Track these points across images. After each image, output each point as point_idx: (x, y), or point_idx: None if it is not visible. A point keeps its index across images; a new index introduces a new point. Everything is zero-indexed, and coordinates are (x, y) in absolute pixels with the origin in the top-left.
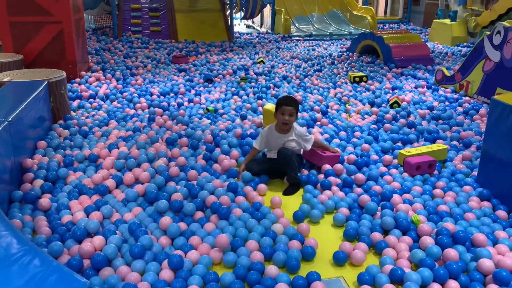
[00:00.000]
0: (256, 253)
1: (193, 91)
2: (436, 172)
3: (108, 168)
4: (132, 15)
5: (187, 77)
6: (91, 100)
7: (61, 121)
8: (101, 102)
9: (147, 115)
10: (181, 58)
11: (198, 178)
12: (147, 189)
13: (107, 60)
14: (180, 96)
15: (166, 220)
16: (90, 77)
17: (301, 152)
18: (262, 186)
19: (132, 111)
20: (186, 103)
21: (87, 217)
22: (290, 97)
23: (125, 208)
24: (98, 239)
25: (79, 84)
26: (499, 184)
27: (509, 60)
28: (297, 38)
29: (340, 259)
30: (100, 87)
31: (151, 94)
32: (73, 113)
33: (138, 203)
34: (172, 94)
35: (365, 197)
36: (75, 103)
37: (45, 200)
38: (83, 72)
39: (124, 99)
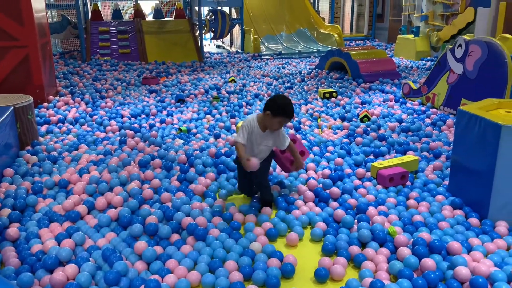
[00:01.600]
0: (235, 273)
1: (165, 112)
2: (408, 183)
3: (79, 193)
4: (100, 38)
5: (158, 98)
6: (60, 124)
7: (29, 147)
8: (70, 126)
9: (118, 138)
10: (151, 79)
11: (173, 200)
12: (120, 213)
13: (76, 83)
14: (152, 117)
15: (141, 244)
16: (58, 101)
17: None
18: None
19: (102, 134)
20: (158, 124)
21: (59, 245)
22: (293, 107)
23: (98, 234)
24: (71, 268)
25: (47, 108)
26: (470, 192)
27: (471, 72)
28: (267, 56)
29: (322, 276)
30: (69, 111)
31: (122, 116)
32: (41, 139)
33: (111, 228)
34: (143, 116)
35: (340, 211)
36: (43, 128)
37: (13, 230)
38: (51, 97)
39: (94, 122)
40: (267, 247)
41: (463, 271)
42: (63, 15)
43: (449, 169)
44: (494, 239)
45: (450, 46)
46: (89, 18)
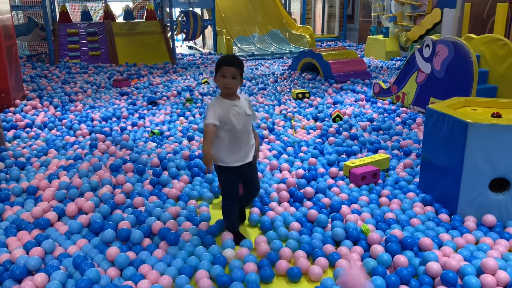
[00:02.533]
0: (204, 280)
1: (136, 115)
2: (380, 181)
3: (48, 200)
4: (69, 40)
5: (130, 100)
6: (28, 129)
7: None
8: (39, 131)
9: (89, 142)
10: (122, 81)
11: (146, 204)
12: (92, 219)
13: (44, 87)
14: (123, 120)
15: (113, 250)
16: (25, 105)
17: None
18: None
19: (72, 139)
20: (129, 127)
21: (27, 254)
22: (231, 55)
23: (69, 241)
24: (40, 277)
25: (14, 113)
26: (439, 189)
27: (439, 71)
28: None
29: (294, 275)
30: (37, 116)
31: (92, 120)
32: (8, 144)
33: (82, 234)
34: (114, 119)
35: (313, 211)
36: (10, 134)
37: None
38: (17, 101)
39: (63, 127)
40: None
41: (434, 266)
42: (30, 17)
43: (419, 166)
44: (463, 234)
45: (418, 46)
46: (57, 20)
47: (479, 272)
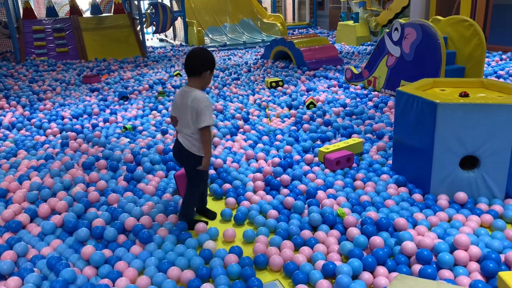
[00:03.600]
0: (186, 272)
1: (108, 111)
2: (354, 165)
3: (19, 202)
4: (34, 37)
5: (101, 96)
6: None
7: None
8: (7, 132)
9: (60, 141)
10: (92, 77)
11: (121, 200)
12: (65, 218)
13: (10, 86)
14: (95, 116)
15: (88, 249)
16: None
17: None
18: None
19: (42, 138)
20: (101, 124)
21: None
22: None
23: (43, 242)
24: (13, 281)
25: None
26: (412, 169)
27: (408, 54)
28: (212, 48)
29: (260, 262)
30: (4, 116)
31: (63, 118)
32: None
33: (56, 235)
34: (85, 116)
35: (290, 198)
36: None
37: None
38: None
39: (32, 126)
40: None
41: (409, 245)
42: None
43: (392, 149)
44: (436, 212)
45: (388, 30)
46: (21, 17)
47: (453, 248)
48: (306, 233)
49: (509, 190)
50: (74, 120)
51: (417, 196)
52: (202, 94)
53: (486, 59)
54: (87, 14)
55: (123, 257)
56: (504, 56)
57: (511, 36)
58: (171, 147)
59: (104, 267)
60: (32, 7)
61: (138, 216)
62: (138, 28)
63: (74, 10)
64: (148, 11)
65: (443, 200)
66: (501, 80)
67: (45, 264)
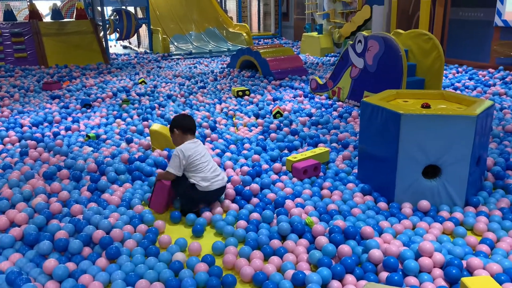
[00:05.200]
0: (156, 284)
1: (70, 118)
2: (321, 174)
3: None
4: None
5: (62, 104)
6: None
7: None
8: None
9: (19, 149)
10: (53, 84)
11: (84, 212)
12: (25, 231)
13: None
14: (56, 125)
15: (50, 262)
16: None
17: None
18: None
19: (0, 147)
20: (63, 132)
21: None
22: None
23: (1, 256)
24: None
25: None
26: (377, 178)
27: (371, 65)
28: (177, 56)
29: (259, 280)
30: None
31: (22, 126)
32: None
33: (16, 248)
34: (46, 124)
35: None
36: None
37: None
38: None
39: None
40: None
41: (376, 253)
42: None
43: (357, 158)
44: (401, 220)
45: (351, 42)
46: None
47: (417, 255)
48: (276, 242)
49: (469, 198)
50: (34, 128)
51: (382, 205)
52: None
53: (444, 72)
54: (47, 19)
55: (88, 270)
56: (460, 69)
57: (466, 49)
58: (136, 156)
59: (67, 281)
60: None
61: (106, 229)
62: (101, 34)
63: (34, 14)
64: (112, 17)
65: (407, 208)
66: (458, 91)
67: (4, 280)
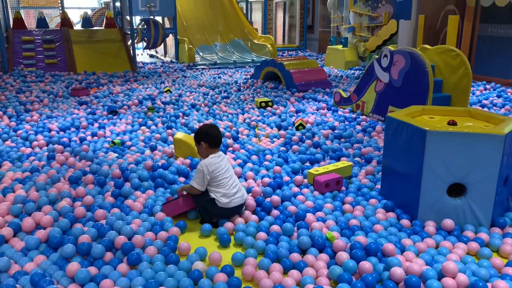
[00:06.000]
0: None
1: (96, 124)
2: (343, 188)
3: (3, 215)
4: (24, 48)
5: (89, 110)
6: None
7: None
8: None
9: (46, 153)
10: (81, 90)
11: (108, 217)
12: (50, 234)
13: None
14: (82, 130)
15: (73, 266)
16: None
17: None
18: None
19: (28, 150)
20: (89, 138)
21: None
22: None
23: (26, 257)
24: None
25: None
26: (400, 195)
27: (396, 80)
28: (202, 66)
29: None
30: None
31: (50, 130)
32: None
33: (40, 250)
34: (73, 129)
35: (275, 226)
36: None
37: None
38: None
39: (18, 138)
40: (210, 269)
41: (398, 271)
42: None
43: (380, 173)
44: (424, 238)
45: (377, 56)
46: (11, 27)
47: (440, 275)
48: (295, 256)
49: (495, 219)
50: (62, 132)
51: (405, 222)
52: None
53: (471, 88)
54: (78, 27)
55: (109, 275)
56: (488, 86)
57: (495, 66)
58: (159, 163)
59: (89, 286)
60: (23, 17)
61: (128, 235)
62: (129, 43)
63: (65, 22)
64: (140, 26)
65: (430, 226)
66: (485, 109)
67: (28, 281)
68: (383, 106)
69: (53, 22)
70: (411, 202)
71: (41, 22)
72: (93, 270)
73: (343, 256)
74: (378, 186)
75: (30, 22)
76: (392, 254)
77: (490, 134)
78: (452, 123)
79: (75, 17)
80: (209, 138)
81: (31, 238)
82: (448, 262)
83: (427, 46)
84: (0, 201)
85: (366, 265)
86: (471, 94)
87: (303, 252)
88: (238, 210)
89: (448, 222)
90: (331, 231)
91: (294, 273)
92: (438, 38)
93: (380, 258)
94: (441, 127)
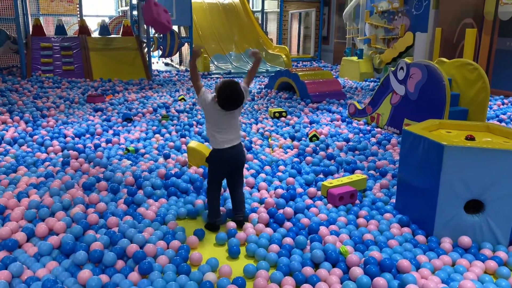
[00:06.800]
0: None
1: (111, 131)
2: (357, 201)
3: (17, 219)
4: (42, 54)
5: (104, 116)
6: None
7: None
8: (8, 147)
9: (61, 159)
10: (96, 97)
11: (120, 224)
12: (63, 240)
13: (14, 101)
14: (97, 137)
15: (85, 273)
16: None
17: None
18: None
19: (43, 155)
20: (103, 144)
21: None
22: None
23: (38, 263)
24: None
25: None
26: (416, 210)
27: (413, 93)
28: (216, 75)
29: None
30: (7, 131)
31: (65, 136)
32: None
33: (53, 256)
34: (88, 135)
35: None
36: None
37: None
38: None
39: (34, 143)
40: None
41: None
42: (1, 29)
43: (395, 187)
44: (440, 255)
45: (393, 69)
46: (30, 33)
47: None
48: (308, 270)
49: None
50: (77, 139)
51: (420, 238)
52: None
53: (489, 103)
54: (95, 35)
55: (120, 284)
56: (506, 101)
57: None
58: (173, 171)
59: None
60: (42, 24)
61: (140, 243)
62: (145, 51)
63: (83, 29)
64: (156, 35)
65: (446, 243)
66: (503, 124)
67: (40, 287)
68: (398, 119)
69: (71, 29)
70: (427, 218)
71: (60, 29)
72: (104, 278)
73: (357, 271)
74: (393, 200)
75: (49, 29)
76: (407, 271)
77: (509, 151)
78: (470, 138)
79: (93, 25)
80: (218, 96)
81: (44, 243)
82: (466, 281)
83: (444, 59)
84: (14, 205)
85: (380, 281)
86: (488, 108)
87: (316, 266)
88: (234, 156)
89: (465, 239)
90: (344, 245)
91: (307, 287)
92: (455, 51)
93: (394, 275)
94: (459, 142)
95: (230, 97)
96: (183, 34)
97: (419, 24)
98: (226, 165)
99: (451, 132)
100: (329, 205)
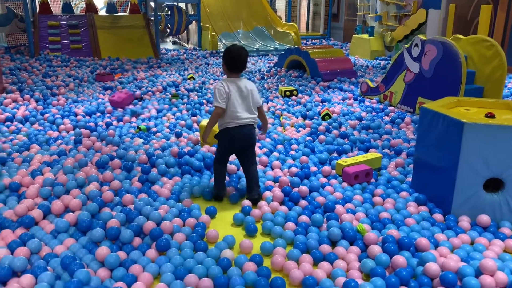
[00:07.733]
0: (204, 280)
1: (121, 110)
2: (373, 180)
3: (32, 197)
4: (49, 32)
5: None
6: (8, 123)
7: None
8: (20, 125)
9: (73, 137)
10: (105, 75)
11: (135, 202)
12: (79, 217)
13: (24, 80)
14: (108, 115)
15: (103, 250)
16: (5, 98)
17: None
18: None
19: (55, 134)
20: (115, 123)
21: (12, 254)
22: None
23: (56, 240)
24: (27, 278)
25: None
26: (433, 188)
27: (427, 71)
28: None
29: (309, 285)
30: (18, 109)
31: (76, 115)
32: None
33: (70, 233)
34: (98, 114)
35: (304, 217)
36: None
37: None
38: None
39: (45, 121)
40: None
41: (433, 267)
42: (8, 8)
43: (411, 165)
44: (458, 234)
45: (407, 46)
46: (37, 12)
47: (478, 272)
48: (326, 247)
49: None
50: (88, 117)
51: (438, 216)
52: (218, 84)
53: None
54: (103, 12)
55: (138, 261)
56: None
57: None
58: (185, 150)
59: (118, 270)
60: (49, 2)
61: (156, 220)
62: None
63: (90, 7)
64: (164, 13)
65: (464, 221)
66: None
67: (59, 263)
68: (412, 97)
69: (78, 7)
70: (444, 196)
71: (67, 7)
72: (122, 254)
73: (376, 249)
74: (409, 179)
75: (56, 7)
76: (425, 249)
77: None
78: (490, 116)
79: (100, 3)
80: (226, 60)
81: (61, 221)
82: (487, 259)
83: (460, 36)
84: (29, 183)
85: (399, 259)
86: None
87: (333, 244)
88: (243, 135)
89: (484, 218)
90: (361, 224)
91: (325, 265)
92: (469, 28)
93: (413, 253)
94: (479, 119)
95: (236, 52)
96: (191, 11)
97: (432, 0)
98: (234, 144)
99: (470, 110)
100: (344, 184)
